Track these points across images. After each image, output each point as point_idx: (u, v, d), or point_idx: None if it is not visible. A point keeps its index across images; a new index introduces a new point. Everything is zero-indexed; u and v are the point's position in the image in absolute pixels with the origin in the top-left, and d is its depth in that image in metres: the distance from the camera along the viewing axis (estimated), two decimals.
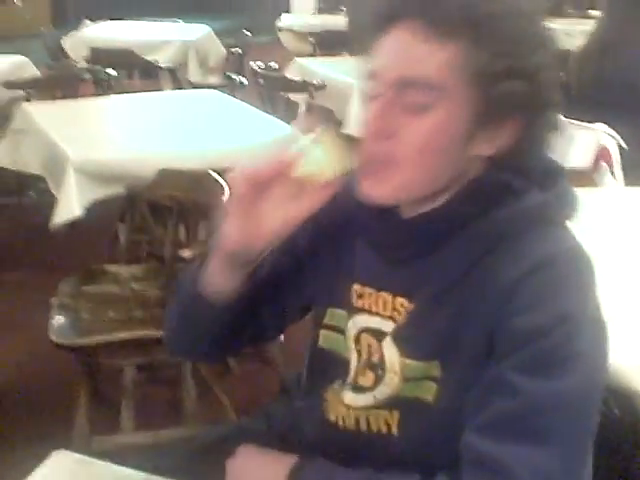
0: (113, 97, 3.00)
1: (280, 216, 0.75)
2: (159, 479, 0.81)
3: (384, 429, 0.80)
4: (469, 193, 0.74)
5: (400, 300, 0.79)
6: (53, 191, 2.07)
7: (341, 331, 0.85)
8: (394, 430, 0.79)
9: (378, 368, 0.81)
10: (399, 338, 0.79)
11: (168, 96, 2.97)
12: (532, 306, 0.69)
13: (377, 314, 0.81)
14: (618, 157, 2.22)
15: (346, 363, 0.84)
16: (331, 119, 3.14)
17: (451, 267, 0.75)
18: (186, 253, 1.54)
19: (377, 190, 0.74)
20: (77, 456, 0.83)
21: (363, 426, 0.82)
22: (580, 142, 2.31)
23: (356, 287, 0.83)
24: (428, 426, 0.77)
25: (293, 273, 0.90)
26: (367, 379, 0.82)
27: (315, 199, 0.74)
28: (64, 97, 3.01)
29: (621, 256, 1.40)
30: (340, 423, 0.83)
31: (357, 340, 0.83)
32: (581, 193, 1.79)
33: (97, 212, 2.04)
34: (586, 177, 2.03)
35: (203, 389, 1.85)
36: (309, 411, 0.89)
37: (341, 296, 0.85)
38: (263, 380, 2.00)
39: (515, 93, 0.70)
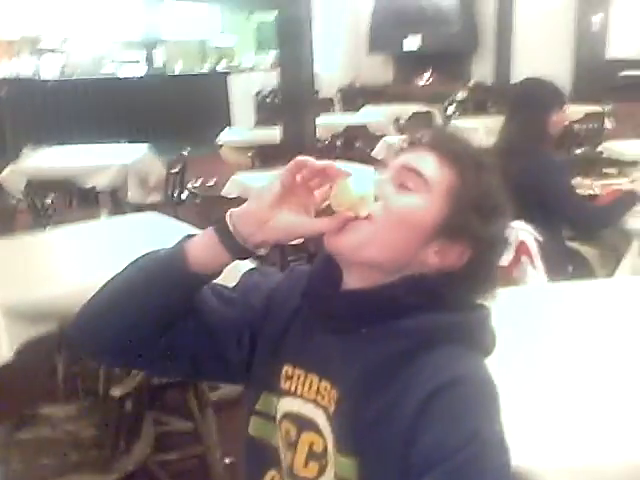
0: (48, 231, 3.02)
1: (288, 221, 0.81)
2: None
3: None
4: (409, 286, 0.82)
5: (324, 384, 0.83)
6: None
7: (271, 418, 0.87)
8: None
9: (322, 458, 0.82)
10: (332, 429, 0.81)
11: (105, 224, 3.01)
12: (441, 424, 0.73)
13: (300, 397, 0.84)
14: (536, 250, 2.34)
15: (276, 451, 0.86)
16: None
17: (375, 356, 0.80)
18: (117, 392, 1.53)
19: (343, 239, 0.82)
20: None
21: None
22: None
23: (287, 368, 0.87)
24: None
25: (245, 330, 0.92)
26: (310, 470, 0.83)
27: (325, 225, 0.82)
28: (0, 233, 3.01)
29: (546, 351, 1.46)
30: None
31: (279, 426, 0.86)
32: (506, 292, 1.88)
33: (34, 350, 2.01)
34: (507, 275, 2.14)
35: None
36: None
37: (272, 379, 0.88)
38: None
39: (471, 223, 0.82)
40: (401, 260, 0.83)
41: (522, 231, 2.36)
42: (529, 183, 2.32)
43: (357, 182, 0.82)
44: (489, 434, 0.74)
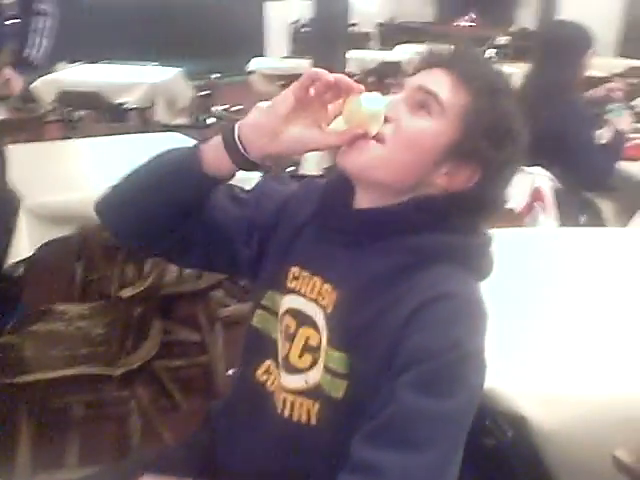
0: (76, 140, 3.08)
1: (299, 134, 0.83)
2: None
3: (304, 418, 0.88)
4: (417, 206, 0.85)
5: (326, 286, 0.88)
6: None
7: (274, 313, 0.94)
8: (313, 421, 0.87)
9: (315, 352, 0.89)
10: (328, 326, 0.87)
11: (129, 139, 3.04)
12: (429, 329, 0.79)
13: (303, 295, 0.90)
14: (552, 198, 2.34)
15: (275, 343, 0.93)
16: None
17: (377, 266, 0.85)
18: (126, 293, 1.61)
19: (354, 158, 0.84)
20: None
21: (286, 411, 0.90)
22: (515, 185, 2.43)
23: (294, 270, 0.93)
24: (340, 421, 0.84)
25: (254, 231, 0.97)
26: (304, 361, 0.89)
27: (334, 138, 0.84)
28: (29, 140, 3.08)
29: (550, 292, 1.49)
30: (270, 404, 0.92)
31: (281, 320, 0.92)
32: (514, 232, 1.90)
33: (56, 252, 2.10)
34: (519, 219, 2.15)
35: (149, 425, 1.89)
36: (241, 392, 0.98)
37: (280, 278, 0.93)
38: None
39: (482, 147, 0.83)
40: (410, 181, 0.85)
41: (539, 177, 2.35)
42: (553, 129, 2.30)
43: (369, 99, 0.83)
44: (470, 347, 0.79)
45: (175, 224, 0.93)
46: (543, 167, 2.34)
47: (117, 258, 1.98)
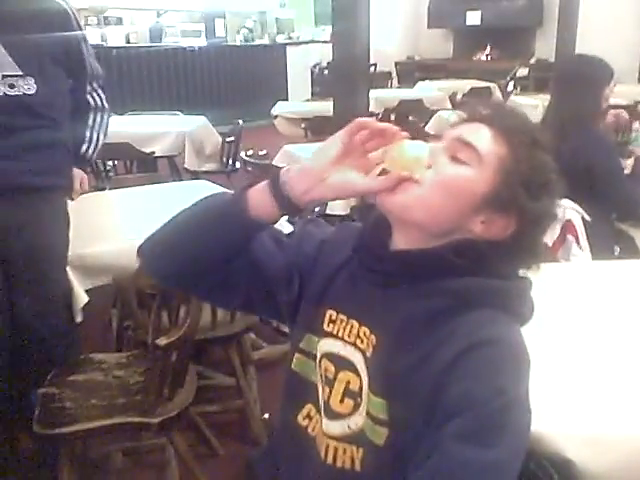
0: (108, 192, 3.16)
1: (344, 178, 0.85)
2: None
3: (348, 464, 0.88)
4: (455, 248, 0.85)
5: (364, 329, 0.88)
6: None
7: (313, 356, 0.94)
8: (357, 467, 0.87)
9: (357, 397, 0.88)
10: (368, 370, 0.87)
11: (160, 189, 3.12)
12: (473, 377, 0.77)
13: (341, 339, 0.90)
14: (583, 229, 2.32)
15: (314, 387, 0.93)
16: None
17: (416, 309, 0.85)
18: (162, 342, 1.63)
19: (393, 198, 0.85)
20: None
21: (329, 457, 0.90)
22: None
23: (330, 312, 0.93)
24: (384, 467, 0.84)
25: (295, 274, 0.98)
26: (345, 406, 0.90)
27: (379, 183, 0.85)
28: None
29: (588, 326, 1.48)
30: (314, 451, 0.92)
31: (319, 364, 0.92)
32: (550, 268, 1.88)
33: (92, 301, 2.15)
34: (552, 253, 2.13)
35: (188, 473, 1.89)
36: (283, 438, 0.98)
37: (317, 322, 0.94)
38: None
39: (519, 198, 0.84)
40: (447, 225, 0.86)
41: (569, 209, 2.33)
42: (579, 161, 2.29)
43: (413, 146, 0.86)
44: (515, 394, 0.78)
45: (219, 266, 0.95)
46: (572, 199, 2.33)
47: (152, 305, 2.01)
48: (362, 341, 0.89)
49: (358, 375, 0.89)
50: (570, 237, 2.31)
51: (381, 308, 0.88)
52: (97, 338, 2.55)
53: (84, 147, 2.20)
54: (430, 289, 0.85)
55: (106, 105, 2.26)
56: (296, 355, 0.97)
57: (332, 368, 0.92)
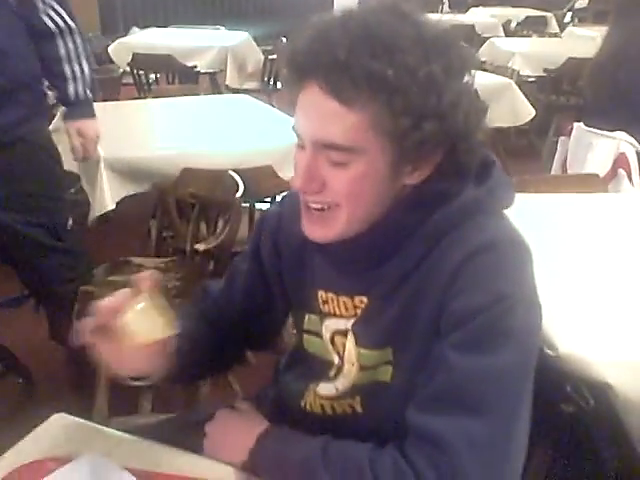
0: (150, 100, 3.14)
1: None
2: (152, 443, 0.86)
3: (349, 411, 0.88)
4: (407, 205, 0.79)
5: (359, 298, 0.85)
6: (85, 188, 2.20)
7: (319, 335, 0.92)
8: (358, 409, 0.87)
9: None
10: (355, 331, 0.86)
11: (200, 100, 3.08)
12: (471, 287, 0.74)
13: (342, 316, 0.87)
14: (637, 164, 2.23)
15: (329, 364, 0.91)
16: None
17: (400, 268, 0.80)
18: (201, 247, 1.63)
19: (322, 233, 0.80)
20: (74, 419, 0.88)
21: (328, 411, 0.90)
22: (599, 150, 2.33)
23: (320, 292, 0.90)
24: (388, 403, 0.84)
25: (267, 286, 0.97)
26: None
27: (127, 357, 0.79)
28: (105, 99, 3.16)
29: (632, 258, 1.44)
30: (308, 408, 0.93)
31: (332, 342, 0.90)
32: (598, 198, 1.81)
33: (133, 209, 2.16)
34: (601, 184, 2.05)
35: (219, 377, 1.94)
36: (287, 400, 0.98)
37: (311, 302, 0.91)
38: None
39: (426, 138, 0.73)
40: (385, 202, 0.79)
41: (624, 142, 2.24)
42: (635, 93, 2.18)
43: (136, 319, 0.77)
44: (519, 295, 0.74)
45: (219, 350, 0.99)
46: (627, 132, 2.23)
47: (191, 215, 2.02)
48: (360, 309, 0.86)
49: (349, 338, 0.86)
50: (622, 171, 2.24)
51: (365, 279, 0.84)
52: (135, 247, 2.58)
53: (70, 88, 1.78)
54: (407, 245, 0.79)
55: (71, 23, 1.73)
56: (305, 336, 0.94)
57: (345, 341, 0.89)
